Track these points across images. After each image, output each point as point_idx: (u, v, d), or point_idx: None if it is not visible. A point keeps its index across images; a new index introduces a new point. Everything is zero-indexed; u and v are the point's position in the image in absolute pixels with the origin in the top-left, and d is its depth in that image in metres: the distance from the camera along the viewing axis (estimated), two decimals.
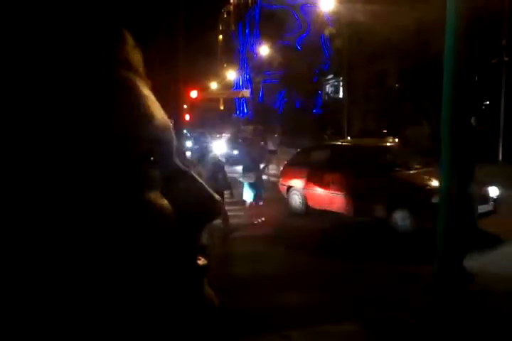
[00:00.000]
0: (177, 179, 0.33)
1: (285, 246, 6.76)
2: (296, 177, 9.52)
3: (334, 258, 6.19)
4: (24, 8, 0.27)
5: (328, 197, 8.59)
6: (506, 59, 21.44)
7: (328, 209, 8.66)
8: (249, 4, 59.40)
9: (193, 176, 0.35)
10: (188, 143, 28.90)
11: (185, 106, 24.50)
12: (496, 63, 21.86)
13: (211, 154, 8.02)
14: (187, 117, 23.94)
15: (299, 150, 11.48)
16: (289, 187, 9.70)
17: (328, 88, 42.00)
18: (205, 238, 0.34)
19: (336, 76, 37.30)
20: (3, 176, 0.25)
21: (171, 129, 0.35)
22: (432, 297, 3.90)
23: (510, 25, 20.70)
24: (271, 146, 18.02)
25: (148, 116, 0.32)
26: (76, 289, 0.26)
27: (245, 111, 56.02)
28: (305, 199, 9.26)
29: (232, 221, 7.71)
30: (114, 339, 0.28)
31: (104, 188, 0.28)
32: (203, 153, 8.48)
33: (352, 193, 8.06)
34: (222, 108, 56.18)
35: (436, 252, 3.67)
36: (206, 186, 0.35)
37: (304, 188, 9.27)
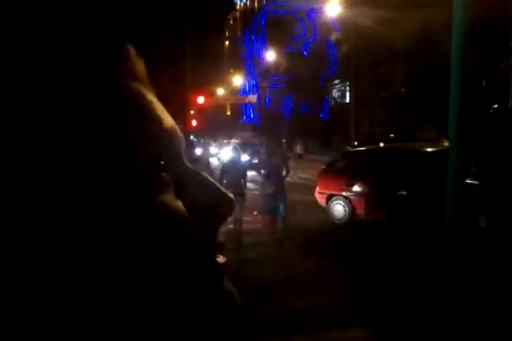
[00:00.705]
0: (189, 180, 0.34)
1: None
2: (338, 184, 8.61)
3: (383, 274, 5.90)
4: (34, 24, 0.29)
5: (388, 206, 7.62)
6: None
7: (384, 218, 7.72)
8: (256, 10, 59.69)
9: (204, 176, 0.35)
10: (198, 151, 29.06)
11: (191, 112, 24.59)
12: (504, 67, 21.78)
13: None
14: (194, 123, 24.04)
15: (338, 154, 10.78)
16: (330, 196, 8.76)
17: (335, 93, 42.01)
18: (221, 236, 0.35)
19: (342, 81, 37.32)
20: (16, 181, 0.25)
21: (179, 132, 0.36)
22: (435, 300, 3.87)
23: None
24: (298, 150, 18.08)
25: (155, 120, 0.33)
26: (91, 288, 0.26)
27: (252, 116, 56.12)
28: (352, 208, 8.39)
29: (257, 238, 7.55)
30: (137, 335, 0.28)
31: (117, 191, 0.28)
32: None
33: (422, 201, 7.10)
34: (229, 113, 56.33)
35: (442, 255, 3.64)
36: (218, 185, 0.36)
37: (350, 196, 8.37)
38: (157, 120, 0.34)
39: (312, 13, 40.41)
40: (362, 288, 5.18)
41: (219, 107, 44.98)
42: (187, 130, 21.84)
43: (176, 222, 0.31)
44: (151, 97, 0.35)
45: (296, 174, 17.64)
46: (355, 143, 28.40)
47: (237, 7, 68.15)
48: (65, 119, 0.27)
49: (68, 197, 0.26)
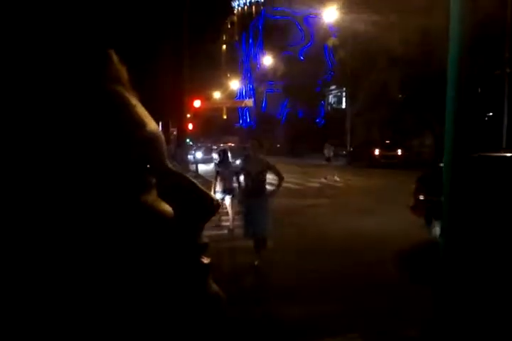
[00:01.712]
0: (172, 181, 0.35)
1: None
2: None
3: None
4: (26, 32, 0.30)
5: None
6: (509, 70, 21.48)
7: None
8: (253, 15, 59.86)
9: (186, 177, 0.36)
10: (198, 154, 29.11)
11: (188, 116, 24.59)
12: (499, 75, 21.91)
13: None
14: (190, 126, 24.03)
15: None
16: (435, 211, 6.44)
17: (331, 98, 42.13)
18: (205, 237, 0.35)
19: (339, 86, 37.43)
20: (9, 179, 0.26)
21: (161, 135, 0.37)
22: (432, 308, 3.86)
23: None
24: (327, 154, 18.05)
25: (139, 123, 0.34)
26: (78, 288, 0.26)
27: (248, 120, 56.17)
28: None
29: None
30: (121, 335, 0.28)
31: (103, 192, 0.29)
32: None
33: None
34: (225, 117, 56.36)
35: (439, 262, 3.63)
36: (200, 186, 0.36)
37: None
38: (140, 124, 0.34)
39: (309, 19, 40.59)
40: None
41: (215, 111, 44.97)
42: (183, 134, 21.82)
43: (159, 222, 0.31)
44: (135, 101, 0.37)
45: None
46: (351, 148, 28.46)
47: (235, 11, 68.33)
48: (51, 122, 0.28)
49: (54, 197, 0.26)
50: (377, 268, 6.09)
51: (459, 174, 3.50)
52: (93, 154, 0.29)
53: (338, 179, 17.06)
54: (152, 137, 0.35)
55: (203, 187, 0.36)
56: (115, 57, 0.38)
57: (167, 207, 0.33)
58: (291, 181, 15.04)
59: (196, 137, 35.79)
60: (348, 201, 12.46)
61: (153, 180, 0.34)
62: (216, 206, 0.37)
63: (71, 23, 0.34)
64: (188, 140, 25.46)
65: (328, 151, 18.34)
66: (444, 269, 3.50)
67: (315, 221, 9.65)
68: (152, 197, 0.32)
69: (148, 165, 0.33)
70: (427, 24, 17.79)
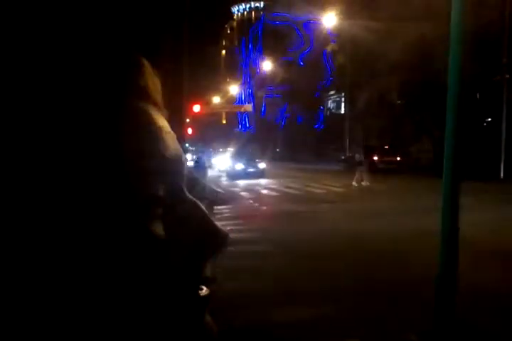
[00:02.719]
0: (185, 209, 0.33)
1: None
2: None
3: None
4: (51, 42, 0.27)
5: None
6: (507, 76, 21.57)
7: None
8: (253, 20, 60.09)
9: (200, 207, 0.34)
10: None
11: (187, 120, 24.63)
12: (498, 81, 21.99)
13: None
14: (189, 131, 24.07)
15: None
16: None
17: (330, 104, 42.22)
18: (208, 270, 0.35)
19: (338, 92, 37.54)
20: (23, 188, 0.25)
21: (183, 160, 0.34)
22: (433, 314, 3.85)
23: (511, 42, 20.89)
24: (358, 158, 17.95)
25: (158, 149, 0.31)
26: (79, 314, 0.26)
27: (247, 125, 56.24)
28: None
29: None
30: None
31: (108, 220, 0.27)
32: None
33: None
34: (224, 122, 56.41)
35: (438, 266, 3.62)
36: (213, 220, 0.33)
37: None
38: (161, 148, 0.31)
39: (309, 24, 40.75)
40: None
41: (215, 116, 45.02)
42: (182, 138, 21.86)
43: (161, 252, 0.30)
44: (161, 121, 0.33)
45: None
46: (350, 154, 28.53)
47: (235, 17, 68.61)
48: (65, 140, 0.26)
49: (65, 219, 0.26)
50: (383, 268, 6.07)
51: (459, 180, 3.50)
52: (105, 183, 0.27)
53: (368, 183, 16.65)
54: (170, 162, 0.32)
55: (215, 222, 0.34)
56: (147, 66, 0.33)
57: (163, 235, 0.32)
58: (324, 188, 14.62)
59: (195, 142, 35.85)
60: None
61: (160, 211, 0.31)
62: (226, 243, 0.34)
63: (95, 19, 0.31)
64: (187, 145, 25.49)
65: (359, 156, 18.15)
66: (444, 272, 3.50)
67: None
68: (156, 227, 0.31)
69: (158, 194, 0.30)
70: (426, 30, 17.88)
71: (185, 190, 0.34)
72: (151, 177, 0.30)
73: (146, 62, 0.33)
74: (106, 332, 0.27)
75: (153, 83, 0.33)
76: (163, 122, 0.33)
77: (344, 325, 4.48)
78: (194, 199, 0.33)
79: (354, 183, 16.47)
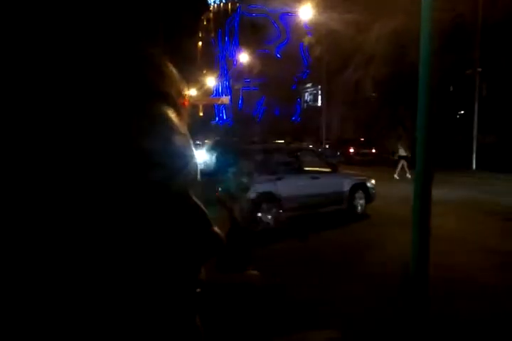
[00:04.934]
0: (186, 208, 0.33)
1: None
2: None
3: None
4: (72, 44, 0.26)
5: None
6: (480, 70, 22.01)
7: None
8: (229, 12, 59.69)
9: (202, 210, 0.34)
10: None
11: None
12: (470, 74, 22.42)
13: None
14: None
15: None
16: None
17: (307, 96, 42.39)
18: (203, 273, 0.34)
19: (315, 84, 37.70)
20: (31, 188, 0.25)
21: (196, 167, 0.34)
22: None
23: (484, 37, 21.30)
24: (402, 152, 17.71)
25: (178, 159, 0.30)
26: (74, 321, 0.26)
27: (225, 117, 56.08)
28: None
29: None
30: None
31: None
32: None
33: None
34: (201, 115, 56.10)
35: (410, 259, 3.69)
36: (212, 223, 0.34)
37: None
38: (181, 158, 0.31)
39: (285, 17, 40.71)
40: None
41: (191, 108, 44.66)
42: None
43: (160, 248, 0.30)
44: (182, 128, 0.32)
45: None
46: (326, 145, 28.76)
47: (211, 8, 68.02)
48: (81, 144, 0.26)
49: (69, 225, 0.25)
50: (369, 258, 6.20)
51: (431, 173, 3.60)
52: (118, 193, 0.27)
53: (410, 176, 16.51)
54: (184, 175, 0.32)
55: (213, 224, 0.34)
56: (168, 64, 0.32)
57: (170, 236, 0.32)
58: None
59: None
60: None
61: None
62: (222, 247, 0.34)
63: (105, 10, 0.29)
64: None
65: (404, 149, 17.97)
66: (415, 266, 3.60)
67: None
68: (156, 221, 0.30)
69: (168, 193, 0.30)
70: (402, 23, 18.09)
71: (192, 194, 0.34)
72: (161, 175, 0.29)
73: (170, 67, 0.32)
74: (100, 326, 0.27)
75: (176, 87, 0.33)
76: (184, 129, 0.33)
77: (325, 314, 4.56)
78: (196, 199, 0.34)
79: (396, 176, 16.79)
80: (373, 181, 10.15)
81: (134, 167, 0.27)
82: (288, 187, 8.63)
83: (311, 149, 11.08)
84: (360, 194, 9.87)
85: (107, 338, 0.27)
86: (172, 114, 0.32)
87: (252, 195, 7.70)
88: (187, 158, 0.32)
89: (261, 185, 8.18)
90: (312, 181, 9.12)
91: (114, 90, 0.27)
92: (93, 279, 0.26)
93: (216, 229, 0.34)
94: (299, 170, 9.21)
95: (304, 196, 8.82)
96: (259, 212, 8.20)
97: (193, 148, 0.33)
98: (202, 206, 0.34)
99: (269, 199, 8.38)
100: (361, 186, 9.96)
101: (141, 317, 0.29)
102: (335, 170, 9.89)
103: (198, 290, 0.34)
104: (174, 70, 0.33)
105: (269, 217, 8.35)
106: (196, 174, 0.34)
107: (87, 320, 0.26)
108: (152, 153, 0.28)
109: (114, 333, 0.27)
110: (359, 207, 9.86)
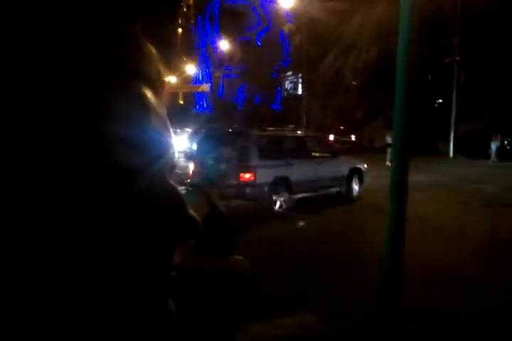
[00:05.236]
0: (163, 192, 0.32)
1: None
2: None
3: None
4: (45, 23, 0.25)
5: None
6: (458, 58, 22.19)
7: None
8: None
9: (178, 193, 0.33)
10: None
11: None
12: (449, 63, 22.59)
13: None
14: None
15: None
16: None
17: (288, 84, 42.30)
18: (177, 257, 0.34)
19: (295, 72, 37.61)
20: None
21: (173, 150, 0.33)
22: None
23: (463, 25, 21.45)
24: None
25: (154, 140, 0.30)
26: (48, 296, 0.25)
27: (205, 105, 55.69)
28: None
29: None
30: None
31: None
32: None
33: None
34: (181, 102, 55.59)
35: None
36: (188, 206, 0.34)
37: None
38: (157, 143, 0.30)
39: (266, 4, 40.36)
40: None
41: (171, 96, 44.23)
42: None
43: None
44: (161, 110, 0.32)
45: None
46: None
47: None
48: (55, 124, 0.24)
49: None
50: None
51: (407, 160, 3.65)
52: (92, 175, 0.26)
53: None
54: (162, 159, 0.31)
55: (189, 208, 0.34)
56: (149, 48, 0.31)
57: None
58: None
59: None
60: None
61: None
62: (197, 230, 0.34)
63: None
64: None
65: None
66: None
67: None
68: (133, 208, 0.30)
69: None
70: (384, 10, 18.11)
71: (167, 175, 0.33)
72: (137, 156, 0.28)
73: (148, 45, 0.31)
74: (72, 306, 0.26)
75: (154, 67, 0.31)
76: (162, 111, 0.32)
77: (301, 299, 4.61)
78: (173, 183, 0.33)
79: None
80: (365, 165, 10.96)
81: (108, 147, 0.26)
82: (298, 171, 9.32)
83: (317, 136, 11.97)
84: (355, 177, 10.65)
85: (77, 316, 0.27)
86: (150, 94, 0.31)
87: (270, 179, 8.64)
88: (164, 140, 0.31)
89: (277, 170, 8.94)
90: (316, 166, 9.82)
91: (90, 65, 0.26)
92: (63, 258, 0.26)
93: (191, 211, 0.34)
94: (306, 156, 9.86)
95: (310, 180, 9.56)
96: (275, 194, 8.90)
97: (171, 131, 0.33)
98: (177, 189, 0.33)
99: (283, 183, 9.05)
100: (357, 170, 10.73)
101: (111, 298, 0.28)
102: (335, 155, 10.59)
103: (173, 273, 0.33)
104: (154, 50, 0.32)
105: (283, 199, 9.06)
106: (173, 157, 0.33)
107: (60, 298, 0.26)
108: (128, 133, 0.27)
109: (84, 313, 0.27)
110: (355, 190, 10.67)
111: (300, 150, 9.90)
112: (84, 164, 0.25)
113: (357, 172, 10.77)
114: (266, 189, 8.64)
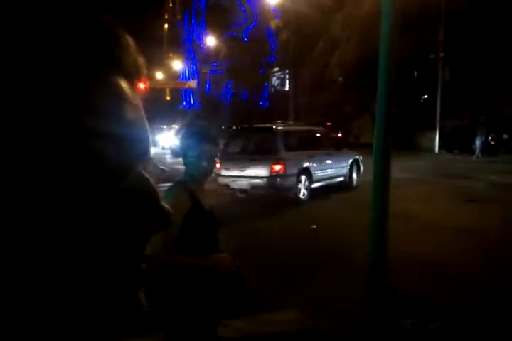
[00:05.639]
0: (136, 184, 0.32)
1: None
2: None
3: None
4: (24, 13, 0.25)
5: None
6: (443, 55, 22.33)
7: None
8: None
9: (151, 186, 0.33)
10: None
11: None
12: (434, 59, 22.73)
13: None
14: None
15: None
16: None
17: (275, 80, 42.25)
18: (148, 249, 0.34)
19: (282, 69, 37.58)
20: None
21: (148, 141, 0.33)
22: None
23: (447, 21, 21.58)
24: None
25: (128, 129, 0.30)
26: (28, 285, 0.26)
27: (192, 102, 55.44)
28: None
29: None
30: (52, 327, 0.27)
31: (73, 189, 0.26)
32: None
33: None
34: (168, 99, 55.29)
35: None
36: (160, 197, 0.34)
37: None
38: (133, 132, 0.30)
39: None
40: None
41: (158, 92, 43.97)
42: None
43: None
44: (135, 100, 0.31)
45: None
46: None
47: None
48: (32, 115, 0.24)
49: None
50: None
51: (389, 154, 3.67)
52: (66, 162, 0.26)
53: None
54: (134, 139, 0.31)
55: (161, 199, 0.34)
56: (126, 40, 0.31)
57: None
58: None
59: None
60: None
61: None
62: (169, 221, 0.34)
63: None
64: None
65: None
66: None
67: None
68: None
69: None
70: (371, 7, 18.14)
71: (140, 166, 0.33)
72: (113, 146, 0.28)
73: (125, 37, 0.31)
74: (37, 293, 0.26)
75: (131, 57, 0.31)
76: (137, 100, 0.32)
77: (284, 296, 4.61)
78: (146, 174, 0.33)
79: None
80: (361, 157, 11.95)
81: (83, 136, 0.26)
82: (315, 163, 10.43)
83: (326, 131, 13.22)
84: (355, 168, 11.83)
85: (45, 306, 0.26)
86: (123, 83, 0.31)
87: (296, 170, 9.71)
88: (139, 131, 0.31)
89: (301, 162, 10.00)
90: (327, 157, 10.98)
91: (64, 54, 0.26)
92: (36, 247, 0.25)
93: (164, 204, 0.34)
94: (321, 148, 10.97)
95: (323, 170, 10.77)
96: (299, 184, 9.90)
97: (147, 123, 0.32)
98: (151, 181, 0.33)
99: (305, 173, 10.11)
100: (356, 162, 11.90)
101: (81, 289, 0.28)
102: (340, 148, 11.79)
103: (144, 265, 0.33)
104: (132, 43, 0.32)
105: (305, 188, 10.06)
106: (148, 148, 0.33)
107: (32, 289, 0.26)
108: (102, 124, 0.27)
109: (52, 303, 0.27)
110: (355, 179, 11.85)
111: (316, 144, 11.02)
112: (59, 153, 0.25)
113: (356, 164, 11.86)
114: (293, 179, 9.57)
